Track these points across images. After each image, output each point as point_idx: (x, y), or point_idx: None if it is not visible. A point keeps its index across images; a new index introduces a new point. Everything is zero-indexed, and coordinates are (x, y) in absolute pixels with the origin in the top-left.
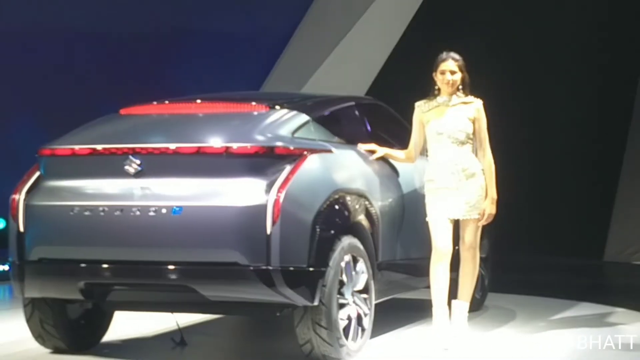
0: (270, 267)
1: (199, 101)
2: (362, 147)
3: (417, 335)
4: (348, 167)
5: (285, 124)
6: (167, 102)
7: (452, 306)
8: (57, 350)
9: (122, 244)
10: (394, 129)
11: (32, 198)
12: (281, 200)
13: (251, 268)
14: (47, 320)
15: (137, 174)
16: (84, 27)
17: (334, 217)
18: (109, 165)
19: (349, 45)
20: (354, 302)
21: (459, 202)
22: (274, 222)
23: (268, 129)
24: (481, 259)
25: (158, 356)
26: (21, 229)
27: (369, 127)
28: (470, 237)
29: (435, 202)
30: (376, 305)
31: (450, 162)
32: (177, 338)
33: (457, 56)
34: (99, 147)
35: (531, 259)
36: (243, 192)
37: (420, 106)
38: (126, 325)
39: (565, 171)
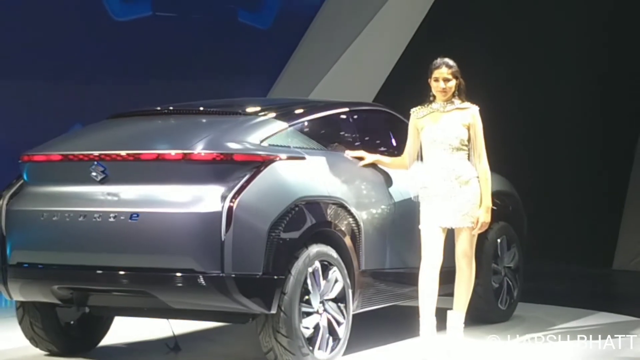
0: (223, 274)
1: (179, 108)
2: (350, 154)
3: (403, 346)
4: (323, 175)
5: (255, 131)
6: (149, 108)
7: (447, 317)
8: (52, 353)
9: (85, 249)
10: (398, 136)
11: (13, 203)
12: (234, 207)
13: (205, 275)
14: (37, 323)
15: (102, 181)
16: (91, 28)
17: (297, 225)
18: (77, 171)
19: (357, 50)
20: (324, 310)
21: (452, 210)
22: (227, 229)
23: (234, 136)
24: (510, 269)
25: None
26: (4, 233)
27: (364, 134)
28: (464, 245)
29: (427, 209)
30: (366, 315)
31: (443, 169)
32: (172, 343)
33: (451, 62)
34: (69, 153)
35: (539, 267)
36: (200, 199)
37: (415, 112)
38: (124, 329)
39: (573, 179)
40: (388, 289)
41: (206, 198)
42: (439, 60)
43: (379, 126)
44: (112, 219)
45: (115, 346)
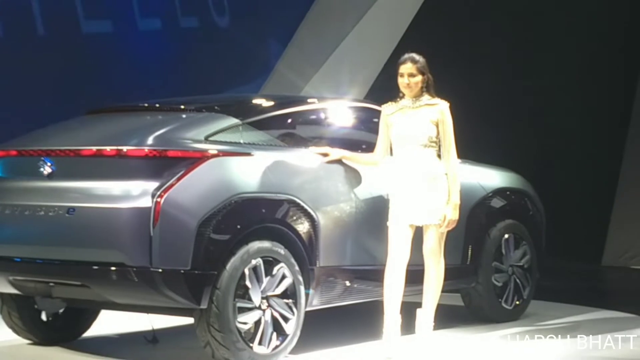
0: (151, 269)
1: (140, 105)
2: (315, 150)
3: (367, 345)
4: (272, 171)
5: (202, 127)
6: (118, 105)
7: (416, 315)
8: (35, 342)
9: (31, 243)
10: (375, 131)
11: None
12: (162, 203)
13: (134, 269)
14: (14, 313)
15: (49, 176)
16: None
17: (233, 221)
18: (29, 166)
19: (349, 46)
20: (269, 306)
21: (420, 207)
22: (154, 225)
23: (177, 133)
24: (521, 268)
25: (129, 352)
26: None
27: (335, 130)
28: (432, 243)
29: (396, 206)
30: (329, 312)
31: (412, 166)
32: (149, 336)
33: (417, 57)
34: (22, 149)
35: None
36: (132, 194)
37: (385, 109)
38: (106, 322)
39: (563, 176)
40: (351, 286)
41: (138, 194)
42: (405, 56)
43: (354, 121)
44: (52, 213)
45: (95, 338)
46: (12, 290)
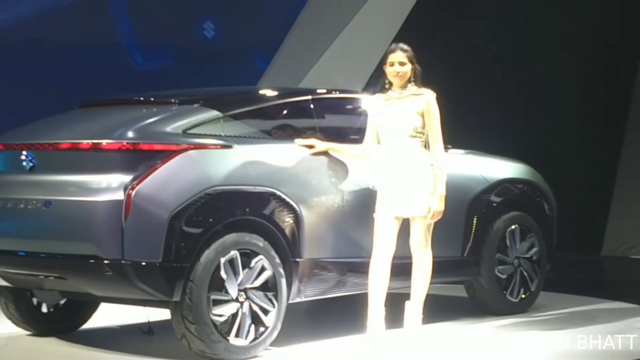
0: (123, 261)
1: (126, 98)
2: (300, 142)
3: (352, 338)
4: (252, 164)
5: (180, 120)
6: (105, 98)
7: (405, 307)
8: (33, 334)
9: (13, 235)
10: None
11: None
12: (133, 196)
13: (107, 261)
14: (10, 305)
15: (31, 169)
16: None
17: (207, 213)
18: (13, 160)
19: (346, 39)
20: (247, 298)
21: (406, 199)
22: (125, 218)
23: (154, 126)
24: (529, 260)
25: (124, 343)
26: None
27: (324, 122)
28: (418, 234)
29: (383, 198)
30: (314, 305)
31: (398, 157)
32: (145, 328)
33: (406, 47)
34: (7, 143)
35: None
36: (106, 187)
37: (373, 100)
38: (104, 314)
39: (562, 166)
40: (336, 279)
41: (112, 187)
42: (393, 45)
43: (341, 112)
44: (30, 206)
45: (91, 330)
46: (5, 283)
